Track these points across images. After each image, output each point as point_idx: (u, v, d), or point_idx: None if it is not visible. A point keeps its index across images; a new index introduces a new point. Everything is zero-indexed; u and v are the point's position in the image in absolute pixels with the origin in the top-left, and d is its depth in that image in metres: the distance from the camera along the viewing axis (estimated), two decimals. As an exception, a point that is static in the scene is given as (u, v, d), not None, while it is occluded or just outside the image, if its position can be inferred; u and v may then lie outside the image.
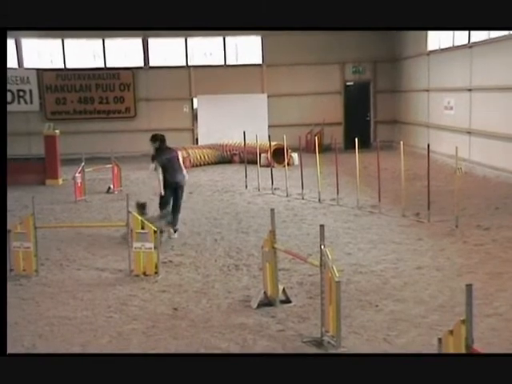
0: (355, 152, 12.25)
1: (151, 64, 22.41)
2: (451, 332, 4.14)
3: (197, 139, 21.95)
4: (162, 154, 10.53)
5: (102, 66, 22.22)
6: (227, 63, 22.55)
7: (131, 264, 8.16)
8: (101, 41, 21.99)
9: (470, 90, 16.48)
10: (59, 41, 21.89)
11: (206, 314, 6.80)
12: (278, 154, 17.07)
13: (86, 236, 10.36)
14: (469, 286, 3.98)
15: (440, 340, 4.31)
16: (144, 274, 8.07)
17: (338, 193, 12.67)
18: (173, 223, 10.32)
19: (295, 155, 17.72)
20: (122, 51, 22.60)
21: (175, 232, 10.28)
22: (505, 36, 14.43)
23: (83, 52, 22.36)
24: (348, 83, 22.96)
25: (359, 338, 5.98)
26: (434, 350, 4.58)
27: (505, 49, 14.51)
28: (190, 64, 22.46)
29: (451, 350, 4.12)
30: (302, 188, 13.51)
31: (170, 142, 21.62)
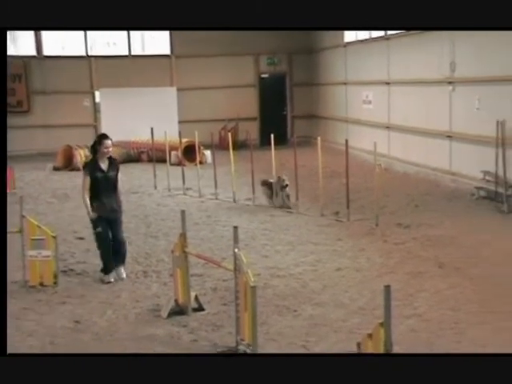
0: (271, 148, 12.38)
1: (46, 53, 21.75)
2: (370, 336, 4.26)
3: (100, 136, 21.51)
4: (97, 165, 8.07)
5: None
6: (132, 54, 22.25)
7: (26, 274, 7.89)
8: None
9: (388, 83, 17.02)
10: None
11: (112, 325, 6.68)
12: (190, 152, 16.98)
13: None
14: (387, 288, 4.09)
15: (359, 344, 4.42)
16: (41, 284, 7.84)
17: (253, 192, 12.76)
18: (116, 263, 8.21)
19: (208, 153, 17.70)
20: (9, 37, 21.75)
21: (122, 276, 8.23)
22: (422, 28, 15.00)
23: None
24: (263, 75, 23.19)
25: (277, 346, 6.04)
26: (353, 354, 4.68)
27: (421, 41, 15.08)
28: (90, 54, 21.99)
29: (370, 354, 4.24)
30: (216, 187, 13.52)
31: (70, 139, 20.98)
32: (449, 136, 14.17)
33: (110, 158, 8.11)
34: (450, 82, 13.98)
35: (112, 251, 8.18)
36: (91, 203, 8.03)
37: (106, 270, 8.18)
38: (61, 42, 21.96)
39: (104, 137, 8.10)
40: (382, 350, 4.07)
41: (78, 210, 12.56)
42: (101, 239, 8.13)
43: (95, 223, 8.08)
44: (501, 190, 11.60)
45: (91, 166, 8.04)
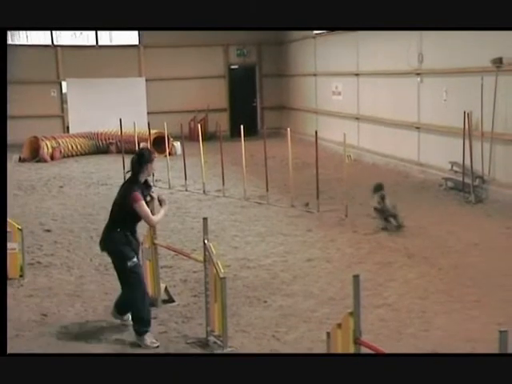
0: (241, 140, 12.37)
1: (9, 41, 21.33)
2: (339, 325, 4.29)
3: (68, 127, 21.26)
4: (142, 188, 6.23)
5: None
6: (99, 44, 21.99)
7: (-8, 267, 7.79)
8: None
9: (357, 74, 17.10)
10: None
11: (80, 318, 6.63)
12: (159, 143, 16.87)
13: None
14: (356, 278, 4.13)
15: (329, 334, 4.45)
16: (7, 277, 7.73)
17: (223, 183, 12.75)
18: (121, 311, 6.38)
19: (177, 144, 17.62)
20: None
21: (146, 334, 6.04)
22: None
23: None
24: (232, 67, 23.11)
25: (247, 337, 6.06)
26: (323, 345, 4.71)
27: (390, 33, 15.13)
28: (56, 43, 21.66)
29: (340, 344, 4.27)
30: (186, 179, 13.47)
31: (37, 131, 20.61)
32: (417, 127, 14.29)
33: (146, 181, 6.35)
34: (418, 74, 14.09)
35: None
36: (125, 233, 6.04)
37: (147, 323, 6.01)
38: (25, 31, 21.55)
39: (153, 152, 6.55)
40: (351, 340, 4.10)
41: (45, 203, 12.47)
42: (138, 276, 6.00)
43: (127, 253, 5.98)
44: (468, 180, 11.75)
45: (140, 188, 6.12)
